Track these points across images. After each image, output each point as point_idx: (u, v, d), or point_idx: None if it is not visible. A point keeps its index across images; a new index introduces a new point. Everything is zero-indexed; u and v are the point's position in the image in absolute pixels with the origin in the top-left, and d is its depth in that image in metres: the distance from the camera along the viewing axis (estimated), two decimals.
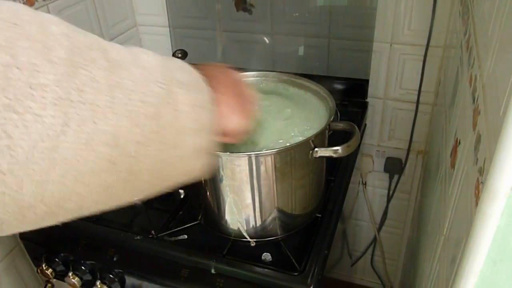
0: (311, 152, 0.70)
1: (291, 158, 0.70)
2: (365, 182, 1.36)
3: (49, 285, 0.94)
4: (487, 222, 0.34)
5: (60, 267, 0.87)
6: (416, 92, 1.12)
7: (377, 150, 1.29)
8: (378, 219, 1.43)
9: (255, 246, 0.78)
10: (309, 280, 0.71)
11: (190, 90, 0.42)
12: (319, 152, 0.70)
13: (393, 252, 1.52)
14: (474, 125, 0.46)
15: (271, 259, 0.77)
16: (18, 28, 0.28)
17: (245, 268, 0.75)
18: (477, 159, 0.41)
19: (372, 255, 1.54)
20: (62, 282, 0.91)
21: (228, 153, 0.68)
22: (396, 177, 1.31)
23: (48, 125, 0.27)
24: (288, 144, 0.69)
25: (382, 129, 1.25)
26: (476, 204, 0.37)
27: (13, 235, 1.00)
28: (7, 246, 0.99)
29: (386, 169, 1.31)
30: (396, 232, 1.47)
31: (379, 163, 1.31)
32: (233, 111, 0.52)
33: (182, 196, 0.93)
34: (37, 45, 0.28)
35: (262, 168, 0.69)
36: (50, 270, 0.87)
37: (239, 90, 0.54)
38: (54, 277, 0.89)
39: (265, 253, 0.78)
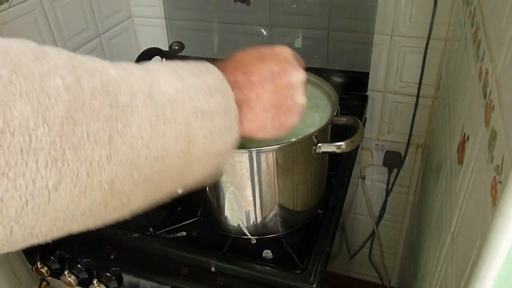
0: (314, 147, 0.68)
1: (294, 154, 0.68)
2: (364, 176, 1.35)
3: (44, 283, 0.92)
4: (507, 224, 0.33)
5: (56, 265, 0.85)
6: (416, 85, 1.10)
7: (376, 144, 1.28)
8: (376, 213, 1.42)
9: (256, 243, 0.77)
10: (312, 278, 0.69)
11: (211, 118, 0.39)
12: (322, 147, 0.68)
13: (391, 246, 1.51)
14: (487, 121, 0.44)
15: (272, 257, 0.75)
16: (14, 87, 0.26)
17: (246, 266, 0.73)
18: (493, 156, 0.39)
19: (370, 249, 1.54)
20: (58, 280, 0.90)
21: None
22: (395, 171, 1.30)
23: (40, 186, 0.27)
24: (291, 140, 0.67)
25: (382, 123, 1.23)
26: (494, 204, 0.36)
27: None
28: None
29: (385, 163, 1.30)
30: (395, 226, 1.46)
31: (378, 157, 1.30)
32: (264, 129, 0.48)
33: (180, 192, 0.91)
34: (34, 104, 0.27)
35: (264, 164, 0.67)
36: (45, 268, 0.85)
37: (282, 100, 0.48)
38: (50, 275, 0.87)
39: (266, 251, 0.76)
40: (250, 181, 0.69)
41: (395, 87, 1.16)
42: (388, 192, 1.34)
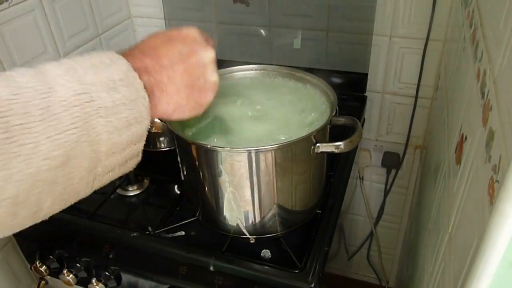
0: (312, 147, 0.68)
1: (292, 153, 0.68)
2: (362, 177, 1.35)
3: (43, 282, 0.93)
4: (504, 222, 0.33)
5: (55, 264, 0.85)
6: (415, 86, 1.11)
7: (375, 145, 1.29)
8: (374, 214, 1.42)
9: (254, 243, 0.77)
10: (310, 278, 0.69)
11: (116, 113, 0.40)
12: (321, 147, 0.68)
13: (390, 246, 1.52)
14: (485, 121, 0.45)
15: (270, 256, 0.76)
16: None
17: (245, 265, 0.73)
18: (490, 156, 0.40)
19: (369, 249, 1.54)
20: (56, 279, 0.90)
21: (228, 148, 0.66)
22: (393, 171, 1.30)
23: None
24: (288, 139, 0.67)
25: (380, 124, 1.24)
26: (491, 203, 0.36)
27: None
28: None
29: (383, 164, 1.30)
30: (393, 227, 1.46)
31: (377, 158, 1.31)
32: (180, 109, 0.49)
33: (179, 192, 0.92)
34: None
35: (263, 163, 0.67)
36: (44, 267, 0.85)
37: (194, 80, 0.49)
38: (48, 274, 0.87)
39: (264, 250, 0.77)
40: (249, 180, 0.69)
41: (394, 88, 1.16)
42: (386, 192, 1.35)
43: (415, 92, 1.11)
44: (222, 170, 0.69)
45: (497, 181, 0.35)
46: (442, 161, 0.76)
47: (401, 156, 1.26)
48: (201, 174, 0.73)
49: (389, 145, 1.27)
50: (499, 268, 0.35)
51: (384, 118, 1.22)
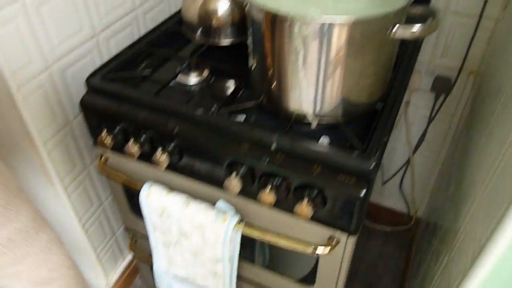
0: (390, 29, 0.68)
1: (369, 31, 0.68)
2: (408, 101, 1.35)
3: (104, 158, 0.97)
4: None
5: (120, 137, 0.88)
6: (481, 4, 1.07)
7: (427, 68, 1.27)
8: (414, 141, 1.43)
9: (315, 129, 0.78)
10: (371, 158, 0.71)
11: None
12: (398, 31, 0.68)
13: (424, 176, 1.53)
14: None
15: (330, 142, 0.78)
16: None
17: (308, 145, 0.74)
18: None
19: (402, 177, 1.55)
20: (117, 156, 0.94)
21: (305, 15, 0.66)
22: (441, 97, 1.29)
23: None
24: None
25: (437, 45, 1.22)
26: None
27: (65, 114, 1.00)
28: (59, 124, 1.00)
29: (433, 88, 1.29)
30: (431, 156, 1.47)
31: (427, 82, 1.29)
32: None
33: (239, 83, 0.92)
34: None
35: (336, 38, 0.67)
36: (109, 138, 0.88)
37: None
38: (112, 147, 0.91)
39: (324, 136, 0.78)
40: (318, 58, 0.70)
41: (457, 7, 1.13)
42: (430, 119, 1.34)
43: (480, 11, 1.08)
44: (294, 41, 0.69)
45: None
46: (504, 87, 0.75)
47: (452, 81, 1.24)
48: (271, 46, 0.73)
49: (442, 69, 1.25)
50: None
51: (441, 39, 1.20)
